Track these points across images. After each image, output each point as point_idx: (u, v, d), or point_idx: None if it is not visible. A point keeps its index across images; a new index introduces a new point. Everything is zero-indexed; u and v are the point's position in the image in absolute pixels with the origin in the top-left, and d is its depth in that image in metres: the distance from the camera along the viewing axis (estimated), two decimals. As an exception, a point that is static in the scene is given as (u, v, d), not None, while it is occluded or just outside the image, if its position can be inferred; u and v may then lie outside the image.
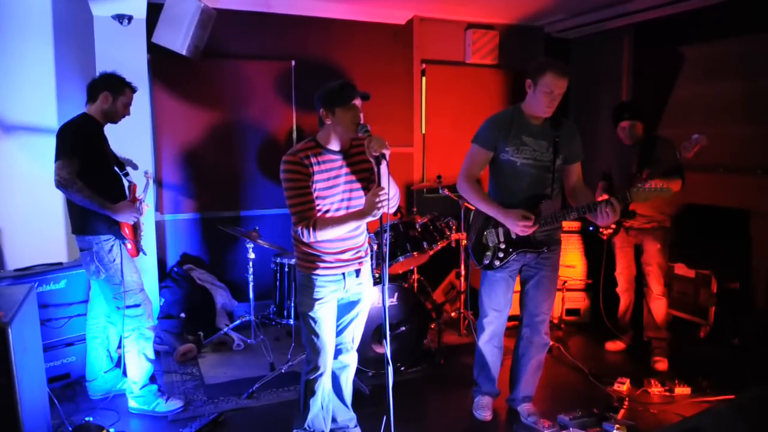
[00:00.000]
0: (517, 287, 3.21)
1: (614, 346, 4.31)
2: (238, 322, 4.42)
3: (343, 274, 2.69)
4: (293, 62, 5.03)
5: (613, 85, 5.56)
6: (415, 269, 4.43)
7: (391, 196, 2.47)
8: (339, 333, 2.83)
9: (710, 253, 4.54)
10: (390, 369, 2.33)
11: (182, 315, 4.43)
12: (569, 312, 4.82)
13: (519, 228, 2.92)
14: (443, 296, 5.04)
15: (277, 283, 4.07)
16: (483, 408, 3.30)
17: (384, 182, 2.44)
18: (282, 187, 2.55)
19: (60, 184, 2.99)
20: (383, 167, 2.43)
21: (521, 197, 3.00)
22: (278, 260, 4.07)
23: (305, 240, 2.55)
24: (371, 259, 2.98)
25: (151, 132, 4.55)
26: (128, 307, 3.21)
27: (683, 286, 4.61)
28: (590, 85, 5.82)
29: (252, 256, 4.26)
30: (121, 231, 3.16)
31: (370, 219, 2.53)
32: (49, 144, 3.11)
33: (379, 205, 2.45)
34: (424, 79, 5.53)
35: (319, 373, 2.73)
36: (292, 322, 4.02)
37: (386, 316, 2.35)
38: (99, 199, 3.05)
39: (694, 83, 4.95)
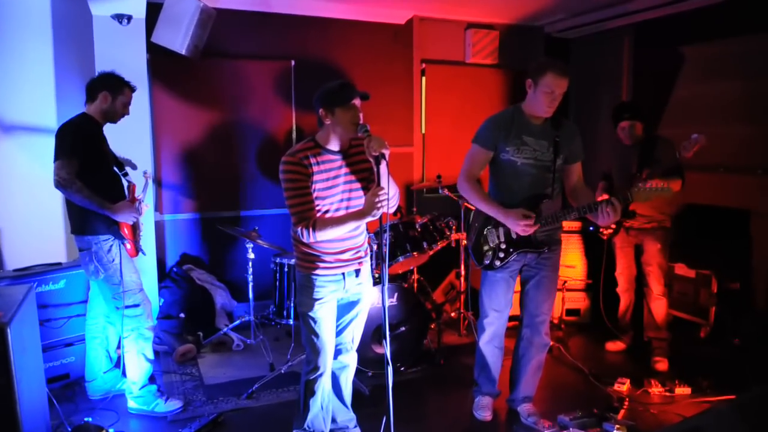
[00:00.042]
0: (517, 287, 3.21)
1: (614, 346, 4.30)
2: (237, 322, 4.42)
3: (343, 274, 2.69)
4: (293, 62, 5.02)
5: (613, 85, 5.56)
6: (415, 269, 4.42)
7: (390, 196, 2.47)
8: (339, 333, 2.83)
9: (710, 253, 4.54)
10: (390, 369, 2.32)
11: (182, 315, 4.42)
12: (569, 312, 4.81)
13: (520, 228, 2.91)
14: (443, 296, 5.03)
15: (277, 283, 4.06)
16: (483, 408, 3.30)
17: (383, 182, 2.44)
18: (281, 188, 2.55)
19: (59, 184, 2.99)
20: (383, 167, 2.42)
21: (521, 197, 2.99)
22: (278, 260, 4.07)
23: (305, 240, 2.55)
24: (371, 259, 2.98)
25: (151, 132, 4.54)
26: (127, 307, 3.21)
27: (683, 286, 4.61)
28: (590, 85, 5.81)
29: (251, 256, 4.25)
30: (120, 231, 3.15)
31: (369, 219, 2.53)
32: (49, 144, 3.11)
33: (379, 205, 2.44)
34: (424, 78, 5.53)
35: (318, 373, 2.72)
36: (291, 322, 4.02)
37: (386, 317, 2.34)
38: (98, 199, 3.05)
39: (694, 83, 4.94)
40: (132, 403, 3.35)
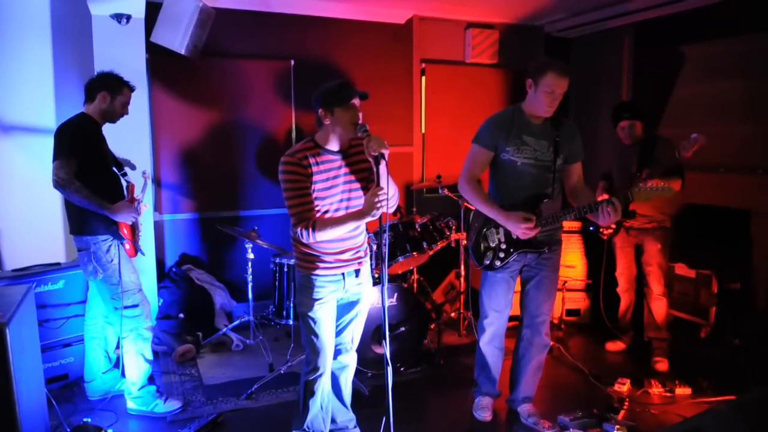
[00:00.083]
0: (518, 288, 3.20)
1: (614, 346, 4.30)
2: (237, 322, 4.41)
3: (343, 274, 2.68)
4: (292, 62, 5.02)
5: (614, 84, 5.55)
6: (415, 269, 4.42)
7: (390, 196, 2.46)
8: (338, 333, 2.82)
9: (711, 253, 4.53)
10: (389, 369, 2.31)
11: (181, 315, 4.41)
12: (569, 312, 4.81)
13: (521, 231, 2.91)
14: (443, 296, 5.03)
15: (276, 283, 4.06)
16: (483, 409, 3.29)
17: (383, 182, 2.43)
18: (281, 188, 2.54)
19: (58, 184, 2.98)
20: (382, 167, 2.42)
21: (522, 197, 2.99)
22: (277, 260, 4.06)
23: (305, 241, 2.54)
24: (371, 259, 2.97)
25: (150, 132, 4.53)
26: (126, 307, 3.20)
27: (684, 286, 4.61)
28: (590, 85, 5.81)
29: (251, 256, 4.25)
30: (119, 231, 3.14)
31: (369, 219, 2.52)
32: (47, 144, 3.10)
33: (379, 205, 2.43)
34: (423, 78, 5.52)
35: (318, 373, 2.72)
36: (291, 322, 4.01)
37: (386, 317, 2.34)
38: (97, 199, 3.04)
39: (694, 83, 4.94)
40: (131, 404, 3.35)
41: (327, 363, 2.74)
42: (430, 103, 5.57)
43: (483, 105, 5.60)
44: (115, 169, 3.32)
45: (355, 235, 2.69)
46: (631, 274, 4.19)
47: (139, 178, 3.48)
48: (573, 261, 4.82)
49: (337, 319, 2.79)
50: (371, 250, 3.49)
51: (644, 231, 3.98)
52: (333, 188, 2.57)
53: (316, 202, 2.54)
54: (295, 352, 3.83)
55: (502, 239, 3.04)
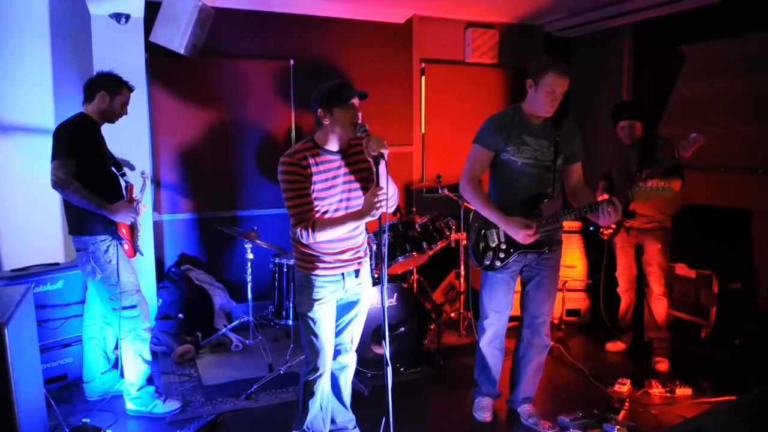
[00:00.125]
0: (518, 288, 3.19)
1: (615, 346, 4.29)
2: (236, 322, 4.40)
3: (343, 274, 2.68)
4: (292, 61, 5.01)
5: (614, 84, 5.55)
6: (415, 269, 4.41)
7: (389, 196, 2.45)
8: (338, 333, 2.82)
9: (711, 253, 4.53)
10: (389, 370, 2.31)
11: (180, 316, 4.41)
12: (569, 312, 4.80)
13: (521, 237, 2.90)
14: (443, 297, 5.02)
15: (276, 283, 4.05)
16: (483, 409, 3.28)
17: (383, 182, 2.43)
18: (280, 188, 2.54)
19: (56, 184, 2.97)
20: (382, 167, 2.41)
21: (522, 197, 2.98)
22: (277, 260, 4.05)
23: (304, 241, 2.54)
24: (370, 260, 2.97)
25: (149, 132, 4.52)
26: (124, 308, 3.19)
27: (684, 286, 4.60)
28: (590, 85, 5.80)
29: (250, 256, 4.24)
30: (118, 231, 3.13)
31: (369, 219, 2.51)
32: (46, 144, 3.08)
33: (378, 205, 2.43)
34: (423, 78, 5.51)
35: (318, 374, 2.71)
36: (290, 322, 4.01)
37: (385, 317, 2.33)
38: (96, 199, 3.03)
39: (694, 82, 4.93)
40: (130, 405, 3.34)
41: (327, 363, 2.73)
42: (429, 102, 5.56)
43: (483, 105, 5.60)
44: (113, 169, 3.31)
45: (354, 235, 2.68)
46: (632, 274, 4.19)
47: (138, 179, 3.47)
48: (573, 261, 4.81)
49: (337, 319, 2.78)
50: (371, 250, 3.49)
51: (644, 231, 3.97)
52: (332, 188, 2.57)
53: (316, 203, 2.54)
54: (294, 353, 3.82)
55: (502, 239, 3.03)
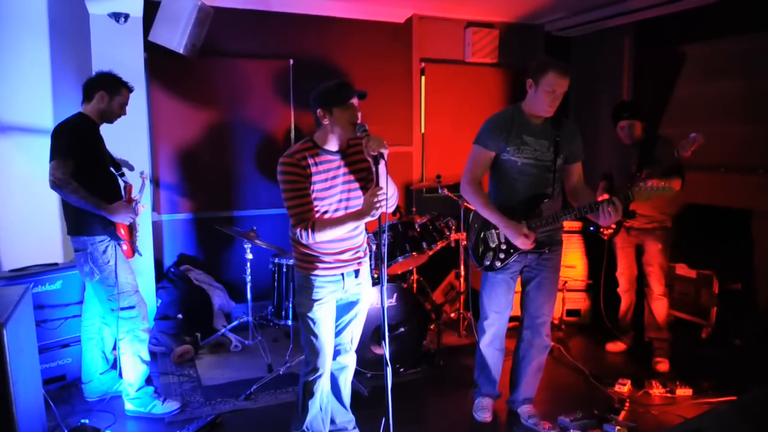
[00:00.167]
0: (518, 288, 3.19)
1: (615, 347, 4.28)
2: (235, 323, 4.39)
3: (342, 274, 2.67)
4: (291, 61, 5.00)
5: (614, 84, 5.54)
6: (415, 270, 4.40)
7: (389, 196, 2.45)
8: (338, 334, 2.81)
9: (711, 253, 4.52)
10: (389, 370, 2.30)
11: (179, 316, 4.40)
12: (570, 313, 4.79)
13: (519, 242, 2.90)
14: (443, 297, 5.01)
15: (275, 283, 4.04)
16: (483, 410, 3.28)
17: (382, 182, 2.42)
18: (280, 188, 2.53)
19: (54, 184, 2.96)
20: (381, 167, 2.40)
21: (522, 197, 2.97)
22: (276, 261, 4.04)
23: (304, 242, 2.53)
24: (370, 260, 2.96)
25: (148, 131, 4.52)
26: (123, 308, 3.18)
27: (684, 286, 4.59)
28: (591, 84, 5.80)
29: (250, 256, 4.24)
30: (116, 232, 3.12)
31: (368, 219, 2.51)
32: (45, 144, 3.07)
33: (378, 205, 2.42)
34: (423, 78, 5.51)
35: (318, 374, 2.70)
36: (290, 323, 4.00)
37: (385, 317, 2.33)
38: (94, 199, 3.02)
39: (694, 82, 4.93)
40: (129, 405, 3.33)
41: (326, 364, 2.73)
42: (429, 102, 5.55)
43: (483, 104, 5.59)
44: (112, 169, 3.30)
45: (354, 235, 2.67)
46: (632, 275, 4.18)
47: (137, 179, 3.47)
48: (573, 261, 4.81)
49: (337, 319, 2.77)
50: (371, 251, 3.48)
51: (645, 231, 3.96)
52: (332, 188, 2.56)
53: (315, 203, 2.53)
54: (294, 353, 3.81)
55: (502, 240, 3.02)
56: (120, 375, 3.35)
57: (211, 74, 4.78)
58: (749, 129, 4.49)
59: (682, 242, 4.35)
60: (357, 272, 2.73)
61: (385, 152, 2.39)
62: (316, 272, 2.61)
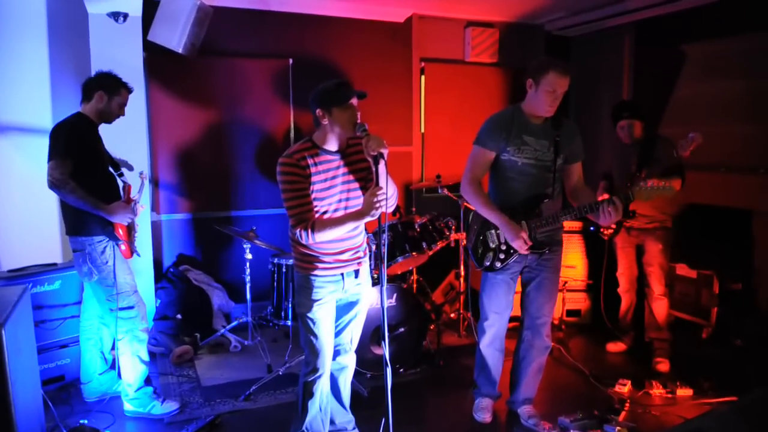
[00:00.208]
0: (518, 289, 3.18)
1: (615, 347, 4.27)
2: (235, 323, 4.38)
3: (342, 274, 2.66)
4: (291, 60, 4.99)
5: (614, 83, 5.53)
6: (414, 270, 4.39)
7: (389, 196, 2.44)
8: (337, 334, 2.80)
9: (712, 253, 4.52)
10: (389, 371, 2.29)
11: (178, 316, 4.39)
12: (570, 313, 4.79)
13: (517, 244, 2.90)
14: (442, 297, 5.01)
15: (275, 284, 4.03)
16: (483, 410, 3.27)
17: (382, 182, 2.41)
18: (279, 189, 2.52)
19: (53, 184, 2.95)
20: (381, 167, 2.40)
21: (522, 197, 2.97)
22: (276, 261, 4.04)
23: (304, 242, 2.52)
24: (370, 260, 2.95)
25: (147, 131, 4.51)
26: (121, 309, 3.17)
27: (685, 286, 4.59)
28: (591, 84, 5.79)
29: (249, 256, 4.23)
30: (114, 232, 3.12)
31: (368, 219, 2.50)
32: (44, 144, 3.06)
33: (378, 205, 2.41)
34: (423, 77, 5.50)
35: (318, 374, 2.70)
36: (289, 323, 3.99)
37: (385, 317, 2.32)
38: (92, 199, 3.01)
39: (695, 82, 4.92)
40: (128, 406, 3.32)
41: (326, 364, 2.72)
42: (429, 102, 5.55)
43: (483, 104, 5.58)
44: (111, 169, 3.29)
45: (354, 235, 2.67)
46: (632, 275, 4.17)
47: (136, 179, 3.46)
48: (573, 261, 4.80)
49: (336, 319, 2.76)
50: (370, 251, 3.47)
51: (645, 231, 3.95)
52: (332, 188, 2.55)
53: (315, 203, 2.52)
54: (293, 353, 3.80)
55: (502, 240, 3.01)
56: (119, 375, 3.34)
57: (210, 74, 4.77)
58: (750, 129, 4.48)
59: (683, 242, 4.35)
60: (357, 272, 2.72)
61: (385, 152, 2.38)
62: (316, 272, 2.61)
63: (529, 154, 2.94)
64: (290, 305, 3.94)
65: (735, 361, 4.00)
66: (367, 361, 3.69)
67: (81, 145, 3.06)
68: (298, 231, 2.48)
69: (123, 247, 3.17)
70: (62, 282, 3.61)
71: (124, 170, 3.40)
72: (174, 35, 3.98)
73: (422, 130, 5.59)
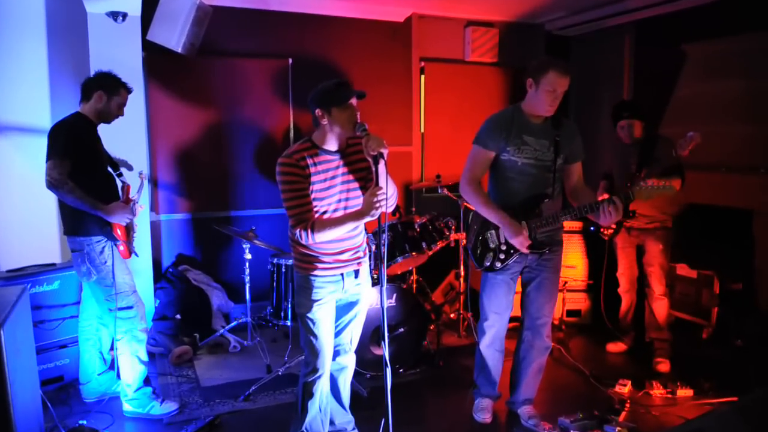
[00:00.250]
0: (518, 289, 3.17)
1: (615, 347, 4.27)
2: (234, 323, 4.38)
3: (342, 274, 2.66)
4: (290, 60, 4.99)
5: (614, 83, 5.53)
6: (414, 270, 4.39)
7: (389, 196, 2.43)
8: (337, 334, 2.80)
9: (712, 253, 4.51)
10: (388, 371, 2.29)
11: (177, 316, 4.38)
12: (570, 313, 4.78)
13: (516, 242, 2.89)
14: (442, 297, 5.00)
15: (274, 284, 4.02)
16: (483, 410, 3.26)
17: (382, 182, 2.40)
18: (279, 189, 2.51)
19: (51, 184, 2.94)
20: (381, 166, 2.39)
21: (522, 197, 2.96)
22: (275, 261, 4.03)
23: (303, 242, 2.52)
24: (370, 260, 2.95)
25: (146, 131, 4.50)
26: (120, 309, 3.16)
27: (685, 286, 4.58)
28: (591, 84, 5.78)
29: (248, 256, 4.22)
30: (113, 232, 3.11)
31: (368, 219, 2.49)
32: (43, 144, 3.05)
33: (377, 205, 2.40)
34: (423, 77, 5.49)
35: (317, 375, 2.69)
36: (289, 323, 3.98)
37: (385, 318, 2.31)
38: (91, 199, 3.00)
39: (695, 81, 4.92)
40: (127, 406, 3.31)
41: (326, 364, 2.71)
42: (429, 102, 5.54)
43: (483, 104, 5.58)
44: (110, 169, 3.29)
45: (353, 235, 2.66)
46: (633, 275, 4.17)
47: (135, 179, 3.45)
48: (574, 261, 4.79)
49: (336, 319, 2.76)
50: (370, 251, 3.47)
51: (646, 231, 3.95)
52: (331, 188, 2.55)
53: (315, 203, 2.52)
54: (293, 354, 3.80)
55: (502, 240, 3.01)
56: (118, 376, 3.33)
57: (209, 73, 4.76)
58: (750, 129, 4.48)
59: (683, 242, 4.34)
60: (356, 272, 2.71)
61: (385, 152, 2.37)
62: (316, 272, 2.60)
63: (529, 154, 2.94)
64: (290, 305, 3.93)
65: (735, 361, 3.99)
66: (366, 362, 3.68)
67: (80, 145, 3.05)
68: (297, 231, 2.47)
69: (121, 247, 3.16)
70: (61, 282, 3.60)
71: (123, 170, 3.39)
72: (173, 35, 3.97)
73: (422, 130, 5.58)
